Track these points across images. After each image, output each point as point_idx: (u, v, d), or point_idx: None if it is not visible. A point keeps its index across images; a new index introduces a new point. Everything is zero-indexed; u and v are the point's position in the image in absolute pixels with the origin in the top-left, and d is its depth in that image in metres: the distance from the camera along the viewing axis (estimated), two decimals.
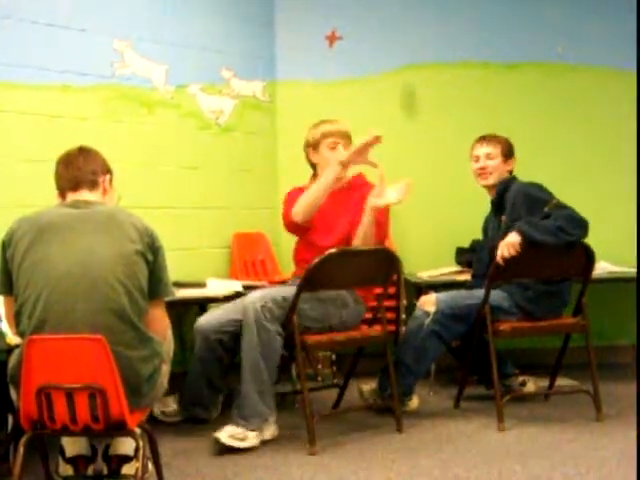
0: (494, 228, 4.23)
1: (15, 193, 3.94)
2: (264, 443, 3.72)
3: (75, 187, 2.97)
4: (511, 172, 4.33)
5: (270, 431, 3.78)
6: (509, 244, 3.88)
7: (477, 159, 4.34)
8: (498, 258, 3.91)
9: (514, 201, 4.11)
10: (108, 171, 3.08)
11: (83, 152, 3.05)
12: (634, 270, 4.81)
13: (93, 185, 3.00)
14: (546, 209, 3.94)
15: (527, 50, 5.43)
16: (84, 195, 2.97)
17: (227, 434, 3.62)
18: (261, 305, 3.70)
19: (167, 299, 3.02)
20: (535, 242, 3.84)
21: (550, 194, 4.05)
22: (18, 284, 2.78)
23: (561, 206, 3.96)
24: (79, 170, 2.99)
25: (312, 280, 3.68)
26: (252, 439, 3.65)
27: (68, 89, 4.31)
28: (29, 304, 2.73)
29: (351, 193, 4.16)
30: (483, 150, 4.32)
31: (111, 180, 3.09)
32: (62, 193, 3.01)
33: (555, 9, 5.43)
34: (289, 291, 3.77)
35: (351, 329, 3.97)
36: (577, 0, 5.43)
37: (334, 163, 4.03)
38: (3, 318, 3.02)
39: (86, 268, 2.75)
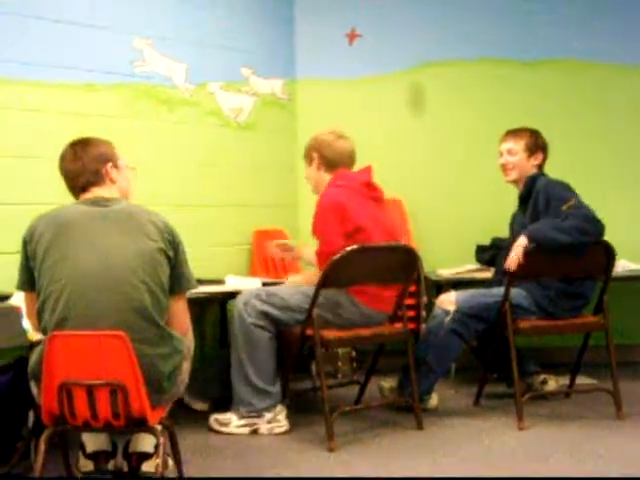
0: (519, 224, 4.20)
1: (36, 191, 3.97)
2: (283, 440, 3.74)
3: (84, 188, 2.98)
4: (540, 166, 4.29)
5: (268, 426, 3.84)
6: (516, 247, 3.89)
7: (501, 154, 4.33)
8: (507, 265, 3.92)
9: (536, 198, 4.09)
10: (107, 159, 3.03)
11: (78, 148, 3.01)
12: None
13: (99, 180, 2.99)
14: (564, 207, 3.92)
15: (544, 47, 5.40)
16: (96, 192, 2.97)
17: (213, 418, 3.92)
18: (244, 302, 3.87)
19: (190, 292, 3.03)
20: (546, 242, 3.83)
21: (572, 193, 4.02)
22: (40, 281, 2.79)
23: (579, 206, 3.94)
24: (81, 172, 2.97)
25: (332, 276, 3.68)
26: (236, 427, 3.85)
27: (91, 88, 4.33)
28: (51, 301, 2.75)
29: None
30: (506, 146, 4.30)
31: (115, 165, 3.04)
32: (73, 193, 3.02)
33: (571, 6, 5.40)
34: (277, 289, 3.96)
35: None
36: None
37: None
38: (25, 315, 3.04)
39: (107, 266, 2.76)
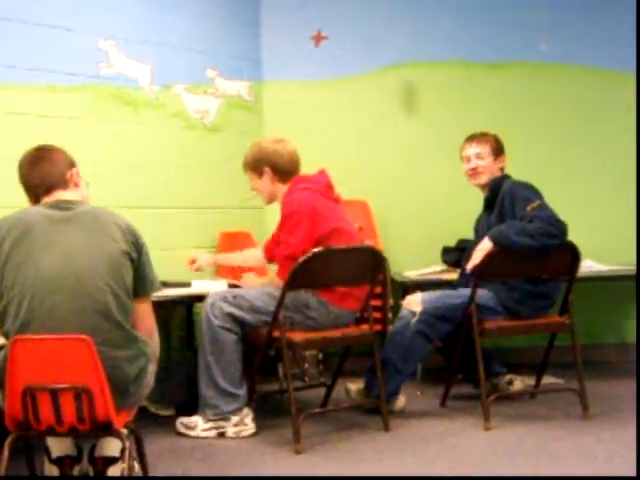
0: (484, 227, 4.22)
1: (1, 194, 3.92)
2: (251, 442, 3.74)
3: (48, 190, 2.95)
4: (502, 169, 4.33)
5: (235, 429, 3.83)
6: (478, 250, 3.92)
7: (468, 160, 4.34)
8: (469, 266, 3.95)
9: (502, 200, 4.12)
10: (72, 164, 3.04)
11: (44, 153, 3.01)
12: (619, 268, 4.83)
13: (65, 184, 2.98)
14: (528, 209, 3.95)
15: (510, 49, 5.43)
16: (59, 195, 2.95)
17: (179, 421, 3.91)
18: (210, 303, 3.87)
19: (155, 295, 3.02)
20: (511, 246, 3.85)
21: (537, 195, 4.05)
22: (3, 284, 2.76)
23: (543, 208, 3.96)
24: (48, 173, 2.96)
25: (298, 278, 3.68)
26: (202, 430, 3.84)
27: (54, 89, 4.29)
28: (13, 305, 2.72)
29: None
30: (472, 150, 4.32)
31: (77, 172, 3.04)
32: (35, 196, 2.98)
33: (537, 6, 5.43)
34: (243, 291, 3.96)
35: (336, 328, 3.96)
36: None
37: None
38: None
39: (71, 269, 2.74)
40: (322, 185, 4.03)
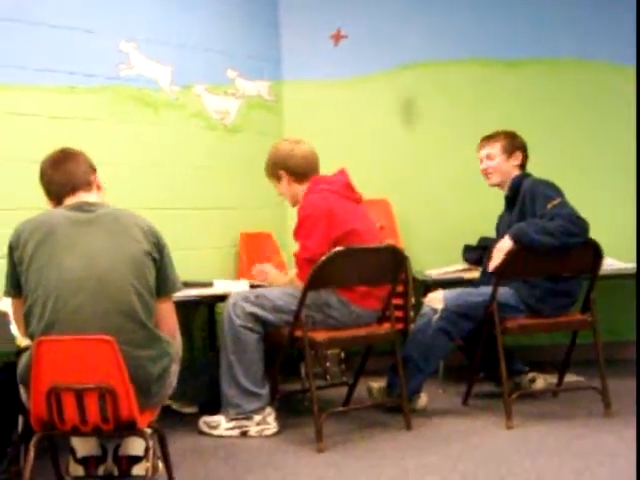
0: (505, 225, 4.22)
1: (20, 195, 3.95)
2: (273, 441, 3.75)
3: (73, 190, 2.98)
4: (522, 166, 4.32)
5: (258, 428, 3.85)
6: (499, 249, 3.91)
7: (481, 161, 4.38)
8: (490, 267, 3.95)
9: (523, 198, 4.11)
10: (95, 169, 3.08)
11: (69, 154, 3.05)
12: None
13: (88, 185, 3.01)
14: (549, 206, 3.94)
15: (526, 46, 5.41)
16: (82, 197, 2.97)
17: (202, 420, 3.94)
18: (232, 303, 3.88)
19: (177, 295, 3.05)
20: (531, 244, 3.85)
21: (558, 192, 4.04)
22: (27, 286, 2.79)
23: (564, 206, 3.96)
24: (72, 174, 2.99)
25: (319, 278, 3.69)
26: (225, 429, 3.86)
27: (74, 90, 4.31)
28: (38, 306, 2.75)
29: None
30: (483, 152, 4.35)
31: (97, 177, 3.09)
32: (57, 198, 3.00)
33: (553, 3, 5.42)
34: (265, 290, 3.97)
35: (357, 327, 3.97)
36: None
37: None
38: (13, 320, 3.03)
39: (93, 271, 2.76)
40: (341, 185, 4.03)
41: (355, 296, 3.91)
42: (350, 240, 3.84)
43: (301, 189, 4.06)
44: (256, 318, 3.86)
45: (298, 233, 3.96)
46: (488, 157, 4.32)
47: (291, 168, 4.05)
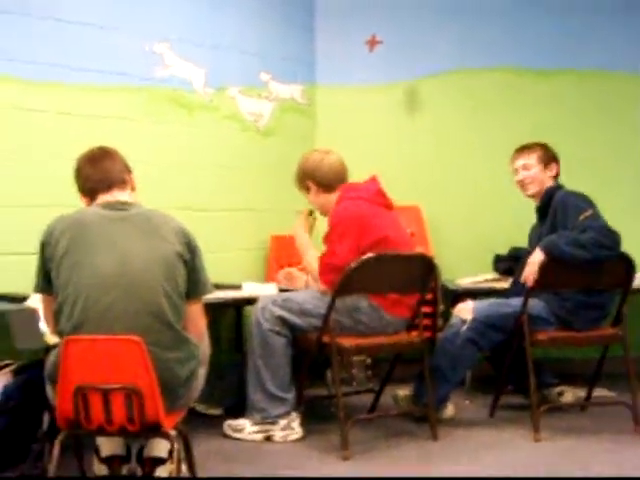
0: (537, 237, 4.18)
1: (56, 193, 3.96)
2: (297, 447, 3.74)
3: (108, 188, 2.98)
4: (555, 178, 4.29)
5: (282, 433, 3.84)
6: (531, 263, 3.88)
7: (516, 172, 4.34)
8: (523, 279, 3.92)
9: (555, 210, 4.07)
10: (130, 169, 3.09)
11: (107, 152, 3.07)
12: None
13: (123, 184, 3.02)
14: (581, 218, 3.90)
15: (558, 55, 5.39)
16: (117, 195, 2.98)
17: (227, 423, 3.93)
18: (261, 307, 3.88)
19: (206, 297, 3.03)
20: (562, 257, 3.81)
21: (590, 204, 4.00)
22: (57, 284, 2.79)
23: (596, 218, 3.91)
24: (109, 171, 3.00)
25: (349, 284, 3.67)
26: (249, 433, 3.86)
27: (109, 90, 4.32)
28: (68, 304, 2.75)
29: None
30: (519, 162, 4.32)
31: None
32: (91, 194, 3.01)
33: (582, 15, 5.38)
34: (294, 294, 3.97)
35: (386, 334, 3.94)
36: (603, 7, 5.38)
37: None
38: (42, 317, 3.04)
39: (125, 270, 2.76)
40: (372, 193, 4.02)
41: (386, 303, 3.89)
42: (382, 247, 3.82)
43: (330, 199, 4.06)
44: (284, 322, 3.85)
45: (328, 238, 3.95)
46: (525, 167, 4.28)
47: (318, 179, 4.06)
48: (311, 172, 4.07)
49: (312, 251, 4.08)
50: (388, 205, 4.09)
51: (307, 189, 4.11)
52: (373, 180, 4.11)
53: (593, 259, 3.81)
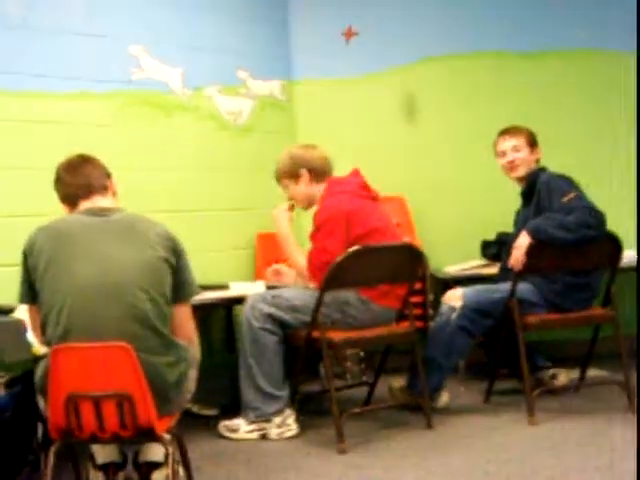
0: (522, 220, 4.18)
1: (37, 202, 3.94)
2: (294, 443, 3.74)
3: (89, 194, 2.97)
4: (538, 161, 4.29)
5: (278, 430, 3.83)
6: (517, 247, 3.88)
7: (503, 154, 4.30)
8: (510, 263, 3.92)
9: (539, 192, 4.07)
10: (110, 175, 3.09)
11: (86, 159, 3.06)
12: None
13: (104, 190, 3.01)
14: (564, 200, 3.90)
15: (543, 37, 5.35)
16: (98, 201, 2.97)
17: (222, 424, 3.92)
18: (250, 305, 3.87)
19: (195, 299, 3.02)
20: (549, 240, 3.81)
21: (574, 186, 4.01)
22: (42, 294, 2.78)
23: (579, 199, 3.91)
24: (89, 177, 3.00)
25: (336, 278, 3.66)
26: (245, 433, 3.85)
27: (86, 96, 4.31)
28: (54, 313, 2.73)
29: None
30: (509, 143, 4.28)
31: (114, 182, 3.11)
32: (72, 202, 3.00)
33: None
34: (282, 290, 3.95)
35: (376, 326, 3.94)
36: None
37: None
38: (29, 328, 3.02)
39: (109, 276, 2.74)
40: (357, 186, 4.01)
41: (375, 294, 3.88)
42: (372, 239, 3.82)
43: (318, 189, 4.04)
44: (273, 319, 3.84)
45: (315, 236, 3.93)
46: (514, 149, 4.25)
47: (313, 167, 4.04)
48: (306, 160, 4.05)
49: (296, 247, 4.07)
50: (374, 197, 4.08)
51: (297, 178, 4.06)
52: (356, 173, 4.10)
53: (579, 240, 3.81)
